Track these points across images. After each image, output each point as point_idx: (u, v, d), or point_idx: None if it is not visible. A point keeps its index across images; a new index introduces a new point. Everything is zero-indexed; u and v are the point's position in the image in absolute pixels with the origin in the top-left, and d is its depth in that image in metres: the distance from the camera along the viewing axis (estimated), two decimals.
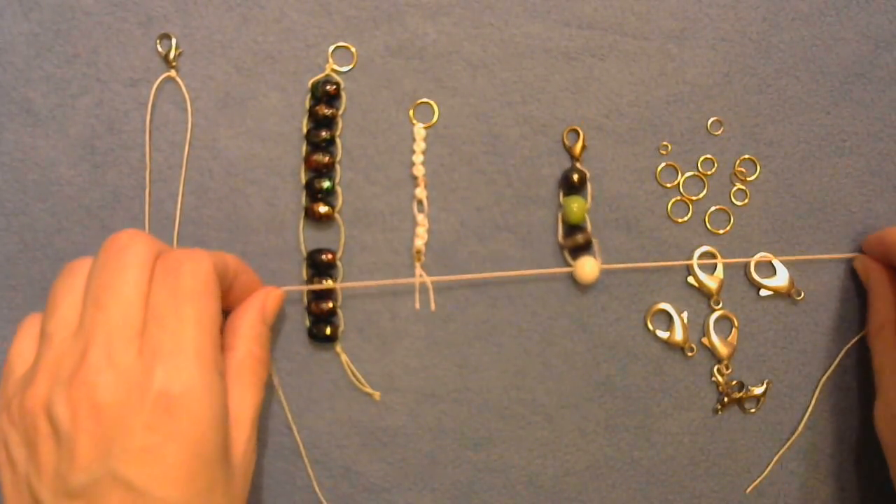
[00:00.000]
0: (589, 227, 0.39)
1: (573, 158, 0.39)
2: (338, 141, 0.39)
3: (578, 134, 0.39)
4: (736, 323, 0.40)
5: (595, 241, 0.39)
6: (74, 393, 0.30)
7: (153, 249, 0.32)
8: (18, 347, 0.34)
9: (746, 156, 0.40)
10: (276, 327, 0.40)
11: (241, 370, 0.35)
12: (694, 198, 0.40)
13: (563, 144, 0.39)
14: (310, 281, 0.39)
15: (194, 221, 0.39)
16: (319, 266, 0.39)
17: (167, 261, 0.32)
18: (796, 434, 0.40)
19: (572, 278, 0.39)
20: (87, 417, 0.29)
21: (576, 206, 0.38)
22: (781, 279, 0.40)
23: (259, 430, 0.40)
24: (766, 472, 0.40)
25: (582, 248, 0.39)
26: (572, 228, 0.39)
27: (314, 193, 0.39)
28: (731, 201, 0.40)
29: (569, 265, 0.39)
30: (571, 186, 0.39)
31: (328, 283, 0.39)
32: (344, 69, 0.39)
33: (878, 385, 0.37)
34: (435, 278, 0.39)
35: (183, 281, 0.32)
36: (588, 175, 0.39)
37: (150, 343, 0.30)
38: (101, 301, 0.31)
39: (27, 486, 0.30)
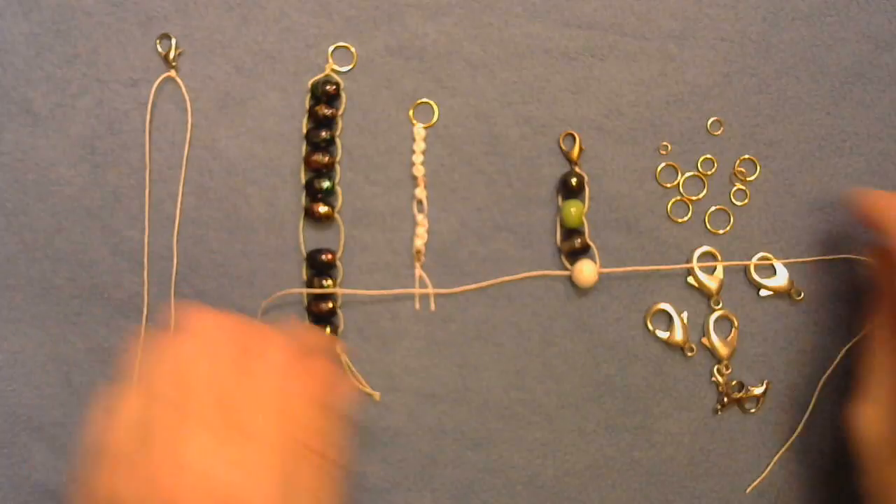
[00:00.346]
0: (587, 230, 0.39)
1: (571, 162, 0.39)
2: (338, 141, 0.39)
3: (575, 138, 0.39)
4: (736, 323, 0.40)
5: (594, 245, 0.39)
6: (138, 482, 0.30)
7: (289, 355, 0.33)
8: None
9: (746, 156, 0.40)
10: (276, 327, 0.40)
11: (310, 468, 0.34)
12: (694, 198, 0.40)
13: (560, 148, 0.39)
14: (309, 281, 0.39)
15: (194, 221, 0.39)
16: (319, 266, 0.39)
17: (301, 368, 0.33)
18: (796, 434, 0.40)
19: (571, 281, 0.39)
20: None
21: (574, 209, 0.38)
22: (781, 279, 0.40)
23: None
24: (765, 473, 0.40)
25: (580, 252, 0.39)
26: (570, 232, 0.39)
27: (314, 193, 0.39)
28: (731, 201, 0.40)
29: (567, 269, 0.39)
30: (569, 190, 0.39)
31: (333, 289, 0.39)
32: (344, 69, 0.39)
33: (869, 382, 0.36)
34: (436, 290, 0.39)
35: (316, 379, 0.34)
36: (586, 179, 0.39)
37: (232, 449, 0.31)
38: (159, 391, 0.31)
39: None
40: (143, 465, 0.30)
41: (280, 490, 0.30)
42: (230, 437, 0.30)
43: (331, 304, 0.39)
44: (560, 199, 0.39)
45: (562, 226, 0.39)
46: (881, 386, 0.36)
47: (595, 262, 0.39)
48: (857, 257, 0.40)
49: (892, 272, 0.37)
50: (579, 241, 0.39)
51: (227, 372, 0.32)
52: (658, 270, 0.40)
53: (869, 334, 0.38)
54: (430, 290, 0.39)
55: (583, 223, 0.39)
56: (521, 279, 0.40)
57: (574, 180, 0.39)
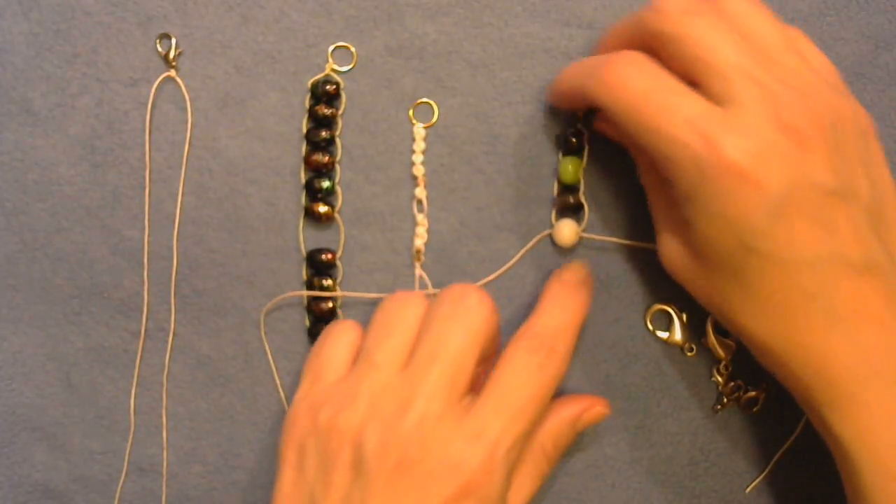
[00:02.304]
0: (582, 188, 0.39)
1: (577, 119, 0.39)
2: (337, 141, 0.39)
3: None
4: None
5: (585, 206, 0.39)
6: (390, 438, 0.30)
7: (494, 325, 0.33)
8: (333, 352, 0.34)
9: None
10: (276, 327, 0.40)
11: (528, 457, 0.35)
12: None
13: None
14: (310, 281, 0.39)
15: (194, 221, 0.39)
16: (319, 266, 0.39)
17: (529, 351, 0.33)
18: (796, 434, 0.40)
19: (558, 247, 0.40)
20: (393, 466, 0.30)
21: (571, 166, 0.39)
22: None
23: (261, 432, 0.40)
24: (765, 472, 0.40)
25: (571, 210, 0.39)
26: (566, 189, 0.39)
27: (314, 193, 0.39)
28: None
29: (552, 226, 0.39)
30: (570, 147, 0.39)
31: (335, 292, 0.39)
32: (344, 69, 0.39)
33: (656, 228, 0.36)
34: (436, 291, 0.40)
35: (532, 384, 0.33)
36: (586, 136, 0.39)
37: (471, 418, 0.31)
38: (437, 355, 0.32)
39: (310, 494, 0.31)
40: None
41: (503, 481, 0.31)
42: (480, 421, 0.32)
43: (331, 304, 0.39)
44: (559, 154, 0.39)
45: (558, 182, 0.39)
46: (657, 221, 0.36)
47: (579, 223, 0.39)
48: None
49: (613, 128, 0.37)
50: (573, 198, 0.39)
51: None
52: (643, 246, 0.40)
53: (639, 176, 0.38)
54: (430, 290, 0.39)
55: (579, 180, 0.39)
56: (520, 272, 0.40)
57: (574, 137, 0.39)
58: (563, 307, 0.35)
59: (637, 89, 0.31)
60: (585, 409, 0.36)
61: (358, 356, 0.34)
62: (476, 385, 0.34)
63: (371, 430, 0.31)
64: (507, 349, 0.34)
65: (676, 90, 0.31)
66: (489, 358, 0.35)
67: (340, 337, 0.35)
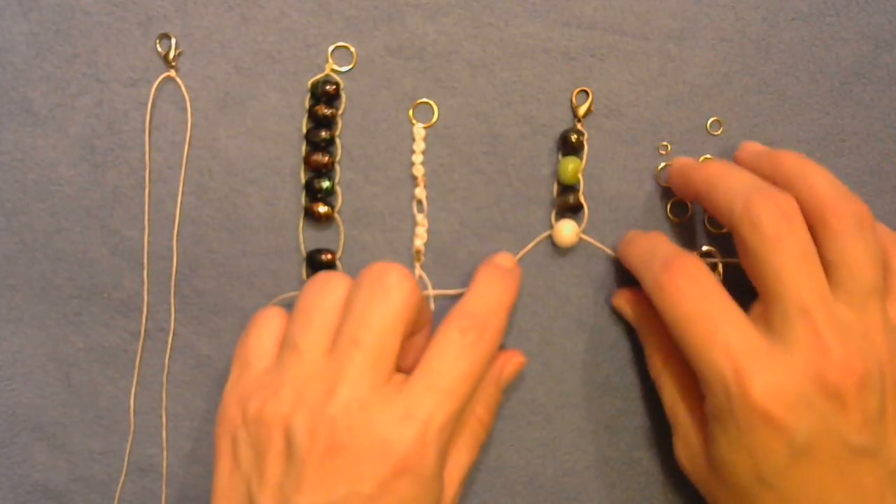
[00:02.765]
0: (582, 187, 0.39)
1: (576, 118, 0.39)
2: (337, 141, 0.39)
3: (588, 95, 0.39)
4: None
5: (585, 206, 0.39)
6: (318, 424, 0.30)
7: (417, 302, 0.33)
8: (257, 341, 0.34)
9: None
10: None
11: (462, 428, 0.35)
12: None
13: (571, 104, 0.39)
14: None
15: (194, 221, 0.39)
16: (319, 266, 0.39)
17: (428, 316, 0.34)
18: None
19: (558, 248, 0.40)
20: (324, 451, 0.30)
21: (571, 165, 0.39)
22: None
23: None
24: None
25: (572, 210, 0.39)
26: (566, 189, 0.39)
27: (314, 193, 0.39)
28: None
29: (552, 226, 0.39)
30: (569, 146, 0.39)
31: None
32: (344, 69, 0.39)
33: (672, 422, 0.36)
34: (436, 292, 0.40)
35: (461, 363, 0.33)
36: (586, 136, 0.39)
37: (402, 397, 0.31)
38: (359, 338, 0.31)
39: (246, 485, 0.32)
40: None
41: (439, 458, 0.31)
42: (410, 398, 0.31)
43: None
44: (559, 154, 0.39)
45: (558, 182, 0.39)
46: (686, 425, 0.35)
47: (579, 224, 0.39)
48: None
49: (643, 310, 0.37)
50: (573, 197, 0.39)
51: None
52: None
53: (651, 372, 0.38)
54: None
55: (578, 180, 0.39)
56: (519, 263, 0.40)
57: (574, 136, 0.39)
58: (493, 288, 0.35)
59: (689, 306, 0.32)
60: (503, 363, 0.37)
61: (283, 343, 0.34)
62: (410, 357, 0.34)
63: (298, 417, 0.31)
64: (439, 329, 0.34)
65: (726, 314, 0.31)
66: (421, 330, 0.35)
67: (265, 325, 0.35)
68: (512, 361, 0.37)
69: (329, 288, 0.34)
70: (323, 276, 0.34)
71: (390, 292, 0.32)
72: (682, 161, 0.38)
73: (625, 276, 0.40)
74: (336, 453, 0.30)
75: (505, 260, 0.38)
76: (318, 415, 0.31)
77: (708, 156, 0.39)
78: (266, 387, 0.32)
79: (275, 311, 0.36)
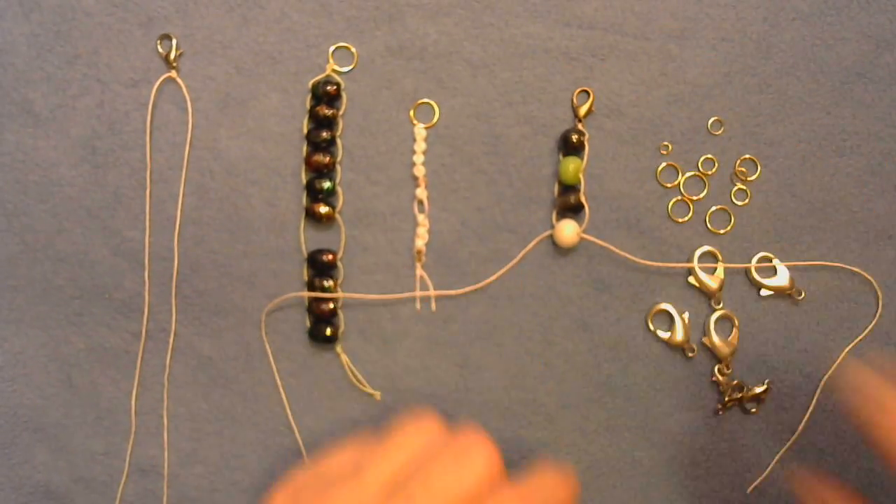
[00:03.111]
0: (583, 188, 0.39)
1: (577, 119, 0.39)
2: (338, 141, 0.39)
3: (589, 95, 0.39)
4: (736, 323, 0.40)
5: (586, 206, 0.39)
6: None
7: (494, 480, 0.31)
8: (347, 450, 0.33)
9: (747, 156, 0.40)
10: (277, 328, 0.40)
11: None
12: (694, 198, 0.40)
13: (572, 104, 0.39)
14: (311, 281, 0.39)
15: (195, 222, 0.39)
16: (320, 266, 0.39)
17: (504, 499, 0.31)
18: (797, 434, 0.40)
19: (558, 248, 0.40)
20: None
21: (572, 166, 0.39)
22: (782, 279, 0.40)
23: (262, 433, 0.40)
24: (766, 472, 0.40)
25: (573, 210, 0.39)
26: (566, 189, 0.39)
27: (315, 194, 0.39)
28: (732, 201, 0.40)
29: (553, 226, 0.39)
30: (570, 146, 0.39)
31: (336, 293, 0.39)
32: (344, 69, 0.39)
33: None
34: (437, 292, 0.40)
35: None
36: (587, 136, 0.39)
37: None
38: (415, 498, 0.30)
39: None
40: None
41: None
42: None
43: (332, 305, 0.39)
44: (560, 155, 0.39)
45: (559, 182, 0.39)
46: None
47: (580, 224, 0.39)
48: (855, 269, 0.40)
49: None
50: (574, 197, 0.39)
51: None
52: (649, 266, 0.40)
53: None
54: (431, 291, 0.39)
55: (579, 180, 0.39)
56: (522, 273, 0.40)
57: (575, 136, 0.39)
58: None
59: None
60: None
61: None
62: None
63: None
64: None
65: None
66: None
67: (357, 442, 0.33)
68: None
69: (422, 432, 0.32)
70: (424, 419, 0.33)
71: (470, 466, 0.31)
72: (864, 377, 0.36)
73: (626, 276, 0.40)
74: None
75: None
76: None
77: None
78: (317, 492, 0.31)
79: (431, 425, 0.33)
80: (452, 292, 0.39)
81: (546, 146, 0.40)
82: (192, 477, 0.40)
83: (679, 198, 0.40)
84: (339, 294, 0.39)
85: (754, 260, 0.40)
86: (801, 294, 0.40)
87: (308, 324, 0.40)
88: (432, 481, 0.30)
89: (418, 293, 0.40)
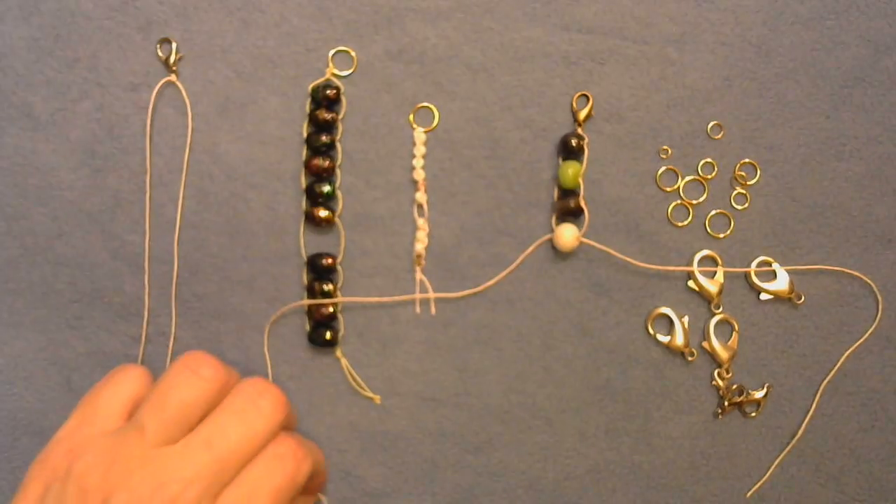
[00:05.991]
0: (582, 192, 0.39)
1: (576, 123, 0.39)
2: (338, 145, 0.39)
3: (588, 99, 0.39)
4: (736, 327, 0.40)
5: (586, 210, 0.39)
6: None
7: (273, 425, 0.33)
8: (110, 398, 0.34)
9: (746, 160, 0.40)
10: (276, 331, 0.40)
11: None
12: (694, 202, 0.40)
13: (571, 108, 0.39)
14: (310, 285, 0.39)
15: (195, 226, 0.40)
16: (320, 270, 0.39)
17: (277, 446, 0.33)
18: (797, 438, 0.40)
19: (558, 252, 0.40)
20: None
21: (571, 170, 0.38)
22: (782, 283, 0.40)
23: None
24: (766, 477, 0.40)
25: (572, 214, 0.39)
26: (566, 193, 0.39)
27: (314, 198, 0.39)
28: (732, 205, 0.40)
29: (552, 230, 0.39)
30: (569, 151, 0.39)
31: (338, 298, 0.39)
32: (344, 73, 0.39)
33: None
34: (436, 294, 0.40)
35: (287, 481, 0.32)
36: (586, 141, 0.39)
37: None
38: (213, 444, 0.31)
39: None
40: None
41: None
42: None
43: (331, 309, 0.39)
44: (559, 159, 0.39)
45: (558, 186, 0.39)
46: None
47: (579, 228, 0.39)
48: (855, 273, 0.40)
49: None
50: (573, 202, 0.39)
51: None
52: (649, 270, 0.40)
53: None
54: (431, 294, 0.39)
55: (578, 184, 0.39)
56: (521, 277, 0.40)
57: (575, 141, 0.39)
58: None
59: None
60: None
61: (134, 412, 0.33)
62: None
63: (117, 499, 0.30)
64: None
65: None
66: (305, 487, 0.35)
67: (123, 383, 0.34)
68: None
69: (195, 382, 0.33)
70: (192, 362, 0.34)
71: (260, 414, 0.32)
72: None
73: (626, 280, 0.40)
74: None
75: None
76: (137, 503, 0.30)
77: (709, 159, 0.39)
78: (100, 453, 0.31)
79: (137, 372, 0.35)
80: (452, 295, 0.39)
81: (545, 150, 0.40)
82: None
83: (679, 202, 0.40)
84: (339, 298, 0.39)
85: (754, 264, 0.40)
86: (800, 298, 0.40)
87: (308, 328, 0.40)
88: (225, 428, 0.32)
89: (418, 296, 0.40)
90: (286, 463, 0.32)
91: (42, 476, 0.32)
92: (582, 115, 0.39)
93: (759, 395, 0.40)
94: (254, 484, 0.31)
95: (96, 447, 0.32)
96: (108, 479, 0.30)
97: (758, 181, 0.40)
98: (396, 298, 0.40)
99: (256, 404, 0.33)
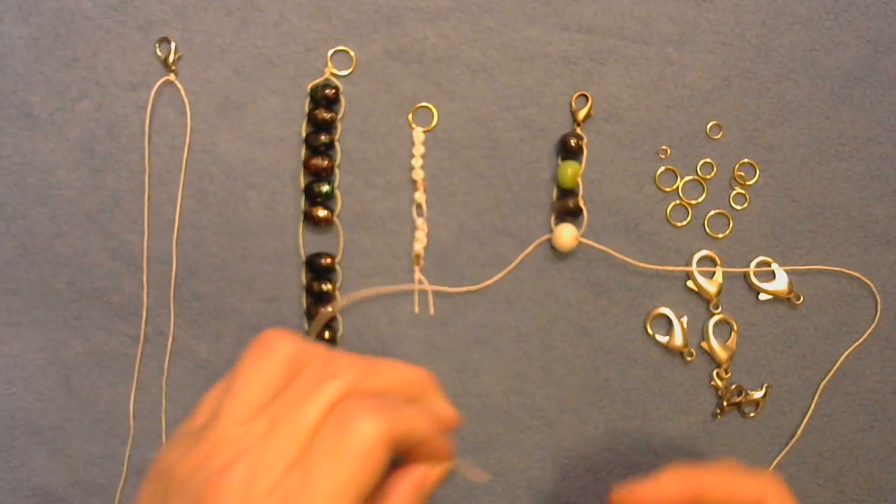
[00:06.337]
0: (581, 192, 0.39)
1: (575, 123, 0.39)
2: (337, 145, 0.39)
3: (587, 99, 0.39)
4: (735, 327, 0.40)
5: (585, 210, 0.39)
6: (205, 494, 0.28)
7: (348, 387, 0.30)
8: (211, 396, 0.32)
9: (746, 160, 0.40)
10: None
11: None
12: (693, 202, 0.40)
13: (570, 108, 0.39)
14: (309, 285, 0.39)
15: (193, 225, 0.39)
16: (319, 270, 0.39)
17: (347, 409, 0.29)
18: (795, 438, 0.40)
19: (557, 252, 0.40)
20: None
21: (570, 170, 0.39)
22: (781, 283, 0.40)
23: None
24: None
25: (571, 214, 0.39)
26: (565, 193, 0.39)
27: (313, 197, 0.39)
28: (731, 205, 0.40)
29: (551, 230, 0.39)
30: (569, 151, 0.39)
31: (365, 292, 0.39)
32: (343, 73, 0.39)
33: None
34: (434, 287, 0.40)
35: (349, 442, 0.28)
36: (585, 141, 0.39)
37: (286, 489, 0.28)
38: (276, 425, 0.29)
39: None
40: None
41: None
42: (293, 497, 0.28)
43: (330, 309, 0.39)
44: (559, 159, 0.39)
45: (557, 186, 0.39)
46: None
47: (578, 228, 0.39)
48: (853, 273, 0.40)
49: None
50: (572, 202, 0.39)
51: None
52: (648, 270, 0.40)
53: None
54: (428, 286, 0.39)
55: (577, 184, 0.39)
56: (519, 275, 0.40)
57: (574, 141, 0.39)
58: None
59: None
60: (423, 477, 0.32)
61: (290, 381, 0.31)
62: None
63: (191, 483, 0.28)
64: None
65: None
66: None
67: (223, 382, 0.32)
68: (433, 473, 0.32)
69: (268, 353, 0.31)
70: (269, 337, 0.32)
71: (325, 381, 0.30)
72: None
73: (625, 280, 0.40)
74: None
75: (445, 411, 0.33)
76: (204, 487, 0.28)
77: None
78: (181, 444, 0.30)
79: (285, 338, 0.32)
80: (449, 289, 0.39)
81: (545, 150, 0.40)
82: None
83: (678, 202, 0.40)
84: (368, 291, 0.39)
85: (753, 264, 0.40)
86: (799, 298, 0.40)
87: (307, 327, 0.40)
88: (294, 402, 0.29)
89: (416, 286, 0.40)
90: (350, 427, 0.29)
91: (151, 476, 0.31)
92: (581, 114, 0.39)
93: (757, 395, 0.40)
94: (319, 453, 0.29)
95: (182, 439, 0.31)
96: (185, 465, 0.29)
97: (757, 181, 0.40)
98: (393, 288, 0.40)
99: (322, 374, 0.30)
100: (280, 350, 0.31)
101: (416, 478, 0.32)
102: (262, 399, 0.30)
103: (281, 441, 0.29)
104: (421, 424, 0.31)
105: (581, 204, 0.39)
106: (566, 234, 0.39)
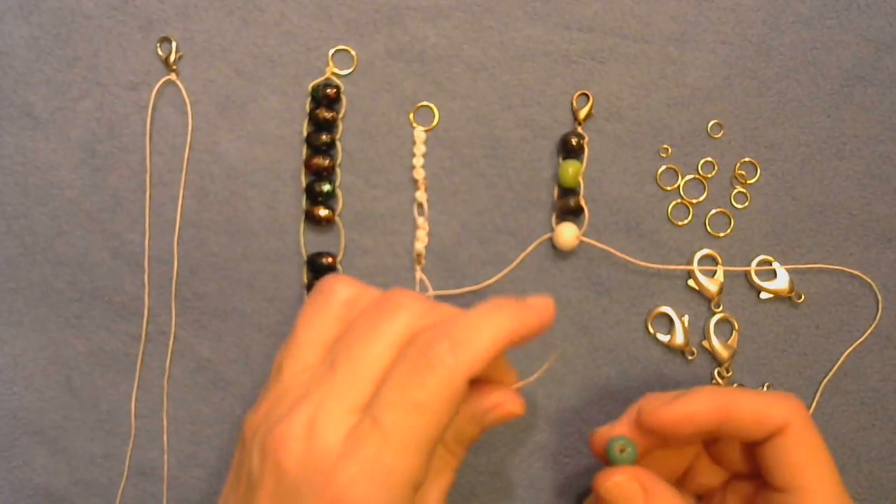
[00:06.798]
0: (582, 191, 0.39)
1: (576, 122, 0.39)
2: (338, 144, 0.39)
3: (588, 98, 0.39)
4: (736, 326, 0.40)
5: (586, 209, 0.39)
6: (269, 445, 0.27)
7: (416, 324, 0.28)
8: (279, 353, 0.31)
9: (747, 159, 0.40)
10: (277, 330, 0.40)
11: (436, 456, 0.31)
12: (694, 201, 0.40)
13: (571, 107, 0.39)
14: (310, 284, 0.39)
15: (195, 225, 0.40)
16: (320, 269, 0.39)
17: (427, 347, 0.27)
18: None
19: (558, 251, 0.40)
20: (271, 474, 0.27)
21: (571, 169, 0.39)
22: (782, 282, 0.40)
23: None
24: None
25: (572, 213, 0.39)
26: (566, 192, 0.39)
27: (314, 197, 0.39)
28: (732, 204, 0.40)
29: (552, 229, 0.39)
30: (570, 150, 0.39)
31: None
32: (344, 72, 0.39)
33: None
34: (436, 292, 0.40)
35: (428, 384, 0.27)
36: (586, 140, 0.39)
37: (357, 433, 0.27)
38: (336, 364, 0.28)
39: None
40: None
41: None
42: (365, 439, 0.27)
43: None
44: (560, 158, 0.39)
45: (558, 185, 0.39)
46: None
47: (579, 227, 0.39)
48: (855, 272, 0.40)
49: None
50: (573, 201, 0.39)
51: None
52: (649, 269, 0.40)
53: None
54: (431, 291, 0.39)
55: (579, 183, 0.39)
56: (514, 269, 0.40)
57: (575, 140, 0.39)
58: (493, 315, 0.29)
59: None
60: (490, 408, 0.31)
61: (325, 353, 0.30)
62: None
63: (258, 436, 0.28)
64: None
65: None
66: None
67: (324, 308, 0.30)
68: (503, 409, 0.31)
69: (328, 298, 0.30)
70: (329, 283, 0.31)
71: (390, 316, 0.28)
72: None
73: (626, 279, 0.40)
74: (282, 477, 0.27)
75: (536, 300, 0.30)
76: (270, 435, 0.27)
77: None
78: (254, 407, 0.30)
79: (343, 282, 0.30)
80: (451, 292, 0.39)
81: (546, 149, 0.40)
82: (192, 480, 0.40)
83: (679, 201, 0.40)
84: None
85: (754, 263, 0.40)
86: (800, 297, 0.40)
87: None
88: (355, 343, 0.28)
89: (416, 286, 0.39)
90: (420, 360, 0.27)
91: (240, 441, 0.31)
92: (582, 113, 0.39)
93: None
94: (390, 395, 0.27)
95: (257, 403, 0.30)
96: (252, 421, 0.29)
97: (758, 180, 0.40)
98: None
99: (388, 307, 0.29)
100: (338, 293, 0.30)
101: (487, 403, 0.31)
102: (324, 344, 0.29)
103: (343, 381, 0.27)
104: (504, 342, 0.29)
105: (582, 203, 0.39)
106: (567, 233, 0.39)
